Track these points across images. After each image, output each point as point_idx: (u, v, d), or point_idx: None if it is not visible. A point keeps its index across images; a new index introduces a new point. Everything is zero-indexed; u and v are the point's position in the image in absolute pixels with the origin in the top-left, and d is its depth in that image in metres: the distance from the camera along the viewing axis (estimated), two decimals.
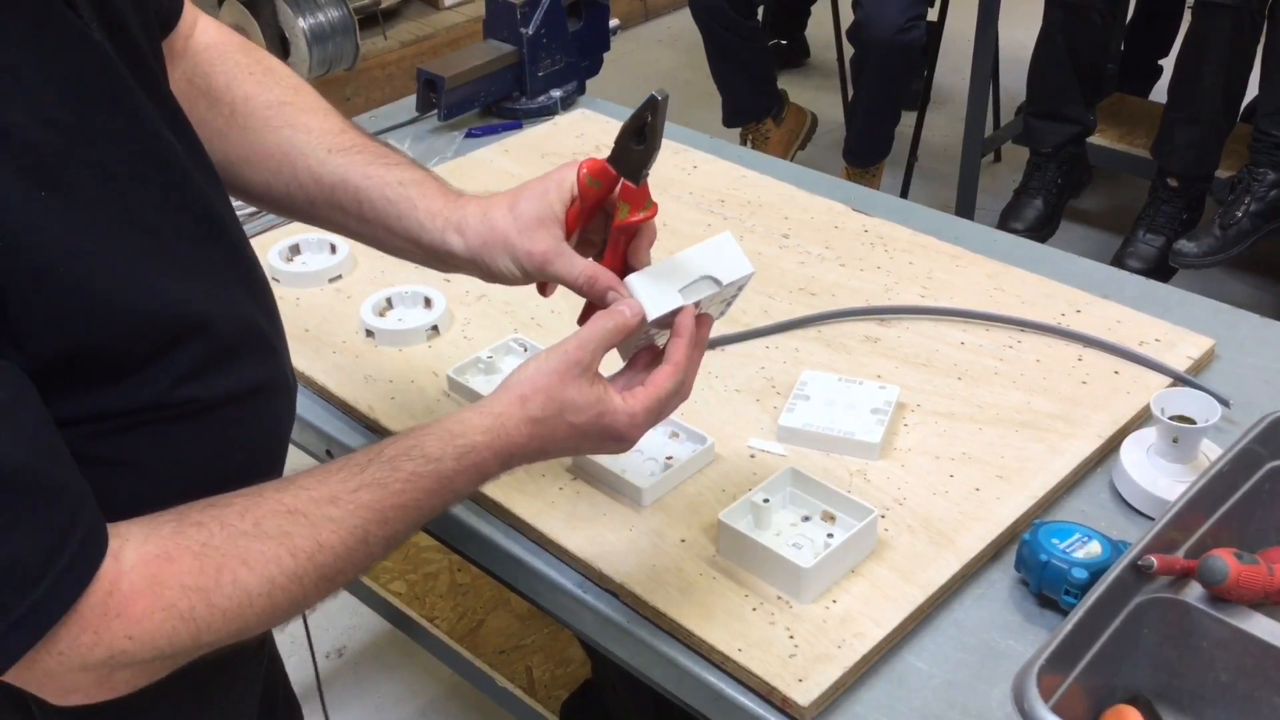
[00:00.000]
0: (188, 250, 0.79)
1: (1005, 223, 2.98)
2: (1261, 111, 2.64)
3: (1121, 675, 0.88)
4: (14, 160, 0.67)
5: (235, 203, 0.92)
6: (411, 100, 1.80)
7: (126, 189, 0.74)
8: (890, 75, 3.01)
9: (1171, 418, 1.05)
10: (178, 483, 0.76)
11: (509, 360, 1.24)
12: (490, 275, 0.94)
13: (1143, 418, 1.15)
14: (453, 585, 1.87)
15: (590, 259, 0.91)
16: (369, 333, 1.30)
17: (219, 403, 0.79)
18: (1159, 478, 1.05)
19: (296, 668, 1.65)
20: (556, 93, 1.81)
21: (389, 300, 1.33)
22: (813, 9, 4.04)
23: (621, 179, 0.89)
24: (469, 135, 1.77)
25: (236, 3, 1.79)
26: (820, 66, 4.18)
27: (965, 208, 3.03)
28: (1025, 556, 0.98)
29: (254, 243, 0.90)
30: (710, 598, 0.97)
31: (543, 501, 1.08)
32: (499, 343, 1.25)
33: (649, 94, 0.84)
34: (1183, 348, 1.22)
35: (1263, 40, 2.64)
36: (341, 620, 2.27)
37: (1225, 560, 0.85)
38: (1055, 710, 0.75)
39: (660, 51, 4.51)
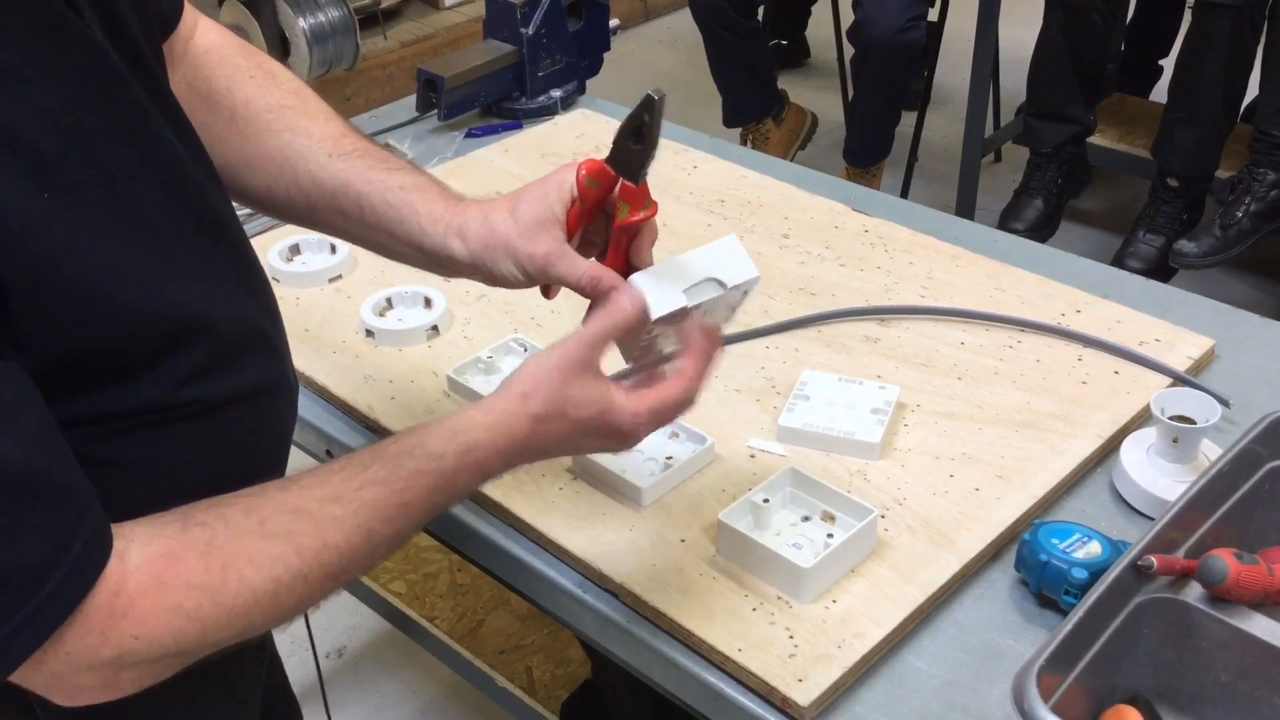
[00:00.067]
0: (189, 251, 0.79)
1: (1005, 223, 2.98)
2: (1261, 111, 2.64)
3: (1121, 675, 0.88)
4: (15, 161, 0.67)
5: (235, 204, 0.92)
6: (411, 100, 1.80)
7: (127, 189, 0.74)
8: (890, 75, 3.01)
9: (1171, 418, 1.05)
10: (180, 484, 0.76)
11: (509, 360, 1.24)
12: (492, 279, 0.94)
13: (1143, 418, 1.15)
14: (453, 585, 1.87)
15: (593, 259, 0.91)
16: (369, 333, 1.30)
17: (221, 404, 0.80)
18: (1159, 478, 1.05)
19: (297, 668, 1.65)
20: (556, 93, 1.81)
21: (389, 300, 1.33)
22: (813, 9, 4.04)
23: (621, 179, 0.89)
24: (469, 135, 1.76)
25: (236, 3, 1.78)
26: (820, 66, 4.18)
27: (965, 208, 3.03)
28: (1025, 556, 0.98)
29: (254, 243, 0.90)
30: (710, 598, 0.97)
31: (543, 501, 1.08)
32: (499, 343, 1.25)
33: (645, 93, 0.84)
34: (1183, 348, 1.23)
35: (1263, 40, 2.64)
36: (341, 620, 2.27)
37: (1225, 560, 0.85)
38: (1055, 710, 0.75)
39: (660, 51, 4.51)
